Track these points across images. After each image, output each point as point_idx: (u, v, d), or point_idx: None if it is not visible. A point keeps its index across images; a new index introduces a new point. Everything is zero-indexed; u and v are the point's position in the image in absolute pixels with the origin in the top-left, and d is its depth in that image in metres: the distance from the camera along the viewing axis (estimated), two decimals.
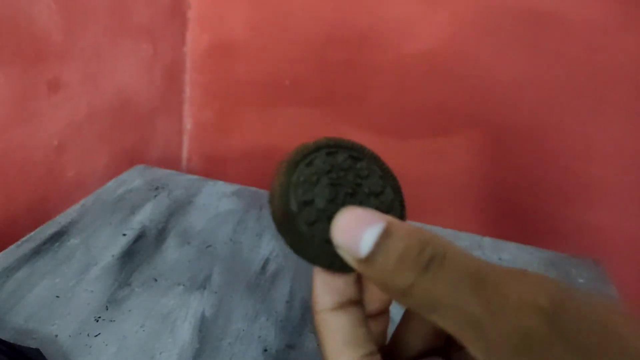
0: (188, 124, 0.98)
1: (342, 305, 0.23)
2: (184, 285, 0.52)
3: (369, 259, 0.19)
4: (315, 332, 0.23)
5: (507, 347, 0.17)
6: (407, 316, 0.26)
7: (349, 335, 0.22)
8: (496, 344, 0.17)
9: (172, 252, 0.57)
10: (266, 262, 0.58)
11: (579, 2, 0.73)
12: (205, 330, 0.47)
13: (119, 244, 0.57)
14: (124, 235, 0.59)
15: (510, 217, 0.87)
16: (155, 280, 0.53)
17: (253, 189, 0.73)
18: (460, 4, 0.78)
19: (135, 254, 0.56)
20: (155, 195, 0.68)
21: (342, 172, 0.23)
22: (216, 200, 0.69)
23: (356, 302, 0.23)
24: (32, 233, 0.57)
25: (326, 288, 0.23)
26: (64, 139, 0.66)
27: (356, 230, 0.19)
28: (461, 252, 0.18)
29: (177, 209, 0.66)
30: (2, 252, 0.53)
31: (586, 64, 0.76)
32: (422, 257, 0.18)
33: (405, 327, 0.26)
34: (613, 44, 0.74)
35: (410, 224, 0.20)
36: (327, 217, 0.22)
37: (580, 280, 0.60)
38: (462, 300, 0.17)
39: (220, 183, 0.74)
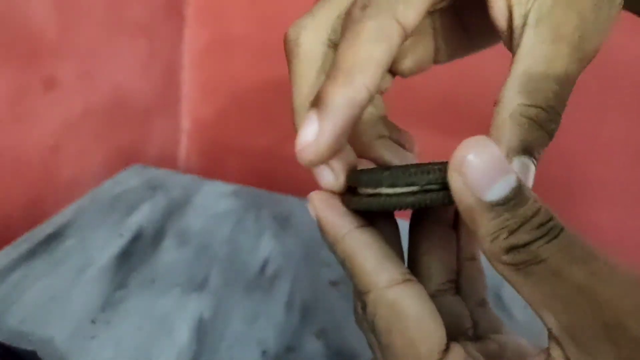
0: (186, 122, 0.98)
1: (365, 225, 0.22)
2: (181, 286, 0.52)
3: (493, 207, 0.18)
4: (342, 260, 0.22)
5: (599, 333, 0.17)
6: (433, 248, 0.26)
7: (384, 250, 0.22)
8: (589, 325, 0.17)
9: (169, 253, 0.57)
10: (265, 263, 0.57)
11: None
12: (203, 333, 0.46)
13: (116, 245, 0.57)
14: (121, 235, 0.58)
15: None
16: (153, 281, 0.52)
17: (252, 188, 0.73)
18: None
19: (132, 255, 0.55)
20: (153, 195, 0.68)
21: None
22: (214, 200, 0.69)
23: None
24: (27, 234, 0.56)
25: (337, 215, 0.22)
26: (60, 138, 0.65)
27: (492, 172, 0.18)
28: (576, 235, 0.18)
29: (175, 209, 0.65)
30: None
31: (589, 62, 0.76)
32: (545, 226, 0.18)
33: (430, 258, 0.26)
34: (617, 42, 0.73)
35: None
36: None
37: None
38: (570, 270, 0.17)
39: (219, 183, 0.74)
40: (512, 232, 0.17)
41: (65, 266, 0.52)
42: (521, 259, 0.18)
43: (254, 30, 0.88)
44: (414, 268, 0.26)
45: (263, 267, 0.56)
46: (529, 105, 0.20)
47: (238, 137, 0.97)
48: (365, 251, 0.21)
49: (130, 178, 0.71)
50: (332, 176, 0.23)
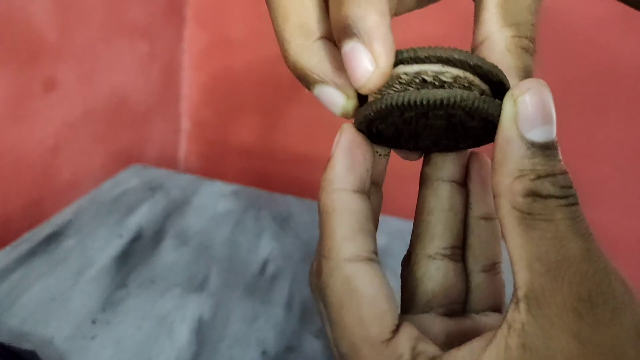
0: (185, 123, 0.98)
1: (361, 191, 0.21)
2: (181, 286, 0.52)
3: (531, 146, 0.18)
4: (322, 212, 0.21)
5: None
6: (440, 208, 0.25)
7: (364, 222, 0.21)
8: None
9: (169, 253, 0.57)
10: (265, 263, 0.57)
11: (584, 1, 0.73)
12: (203, 333, 0.46)
13: (116, 245, 0.57)
14: (121, 236, 0.58)
15: None
16: (153, 281, 0.52)
17: (252, 189, 0.73)
18: (462, 2, 0.78)
19: (132, 255, 0.55)
20: (152, 196, 0.68)
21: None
22: (214, 200, 0.69)
23: (368, 195, 0.22)
24: (28, 234, 0.56)
25: (351, 169, 0.21)
26: (60, 138, 0.65)
27: (541, 115, 0.19)
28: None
29: (175, 209, 0.65)
30: None
31: (588, 62, 0.76)
32: (568, 190, 0.18)
33: (435, 219, 0.25)
34: (616, 42, 0.73)
35: None
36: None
37: None
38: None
39: (218, 183, 0.74)
40: (538, 177, 0.18)
41: (65, 266, 0.52)
42: (535, 209, 0.18)
43: (253, 30, 0.88)
44: (418, 227, 0.25)
45: (263, 268, 0.56)
46: (519, 37, 0.22)
47: (238, 137, 0.97)
48: (344, 216, 0.21)
49: (130, 178, 0.71)
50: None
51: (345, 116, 0.22)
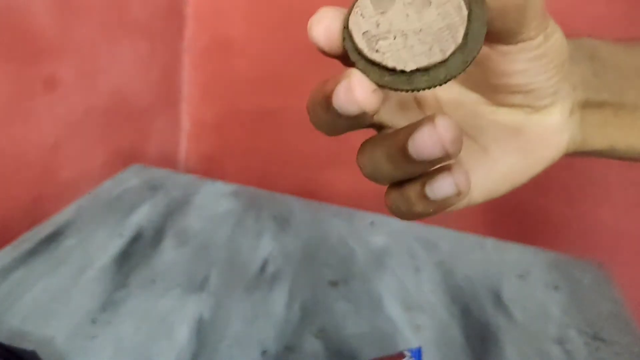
0: (186, 122, 0.97)
1: None
2: (181, 286, 0.52)
3: None
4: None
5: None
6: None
7: None
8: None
9: (169, 253, 0.57)
10: (265, 263, 0.57)
11: (584, 1, 0.73)
12: (203, 333, 0.46)
13: (116, 245, 0.57)
14: (121, 235, 0.58)
15: (513, 218, 0.86)
16: (153, 281, 0.52)
17: (252, 188, 0.73)
18: None
19: (132, 255, 0.55)
20: (153, 196, 0.68)
21: None
22: (214, 200, 0.69)
23: None
24: (28, 233, 0.56)
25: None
26: (60, 138, 0.65)
27: None
28: None
29: (175, 209, 0.65)
30: None
31: None
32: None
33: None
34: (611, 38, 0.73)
35: None
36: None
37: (584, 283, 0.60)
38: None
39: (219, 183, 0.74)
40: None
41: (66, 266, 0.52)
42: None
43: (253, 30, 0.88)
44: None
45: (263, 268, 0.56)
46: None
47: (238, 137, 0.97)
48: None
49: (130, 178, 0.71)
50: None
51: None
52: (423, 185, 0.23)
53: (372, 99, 0.20)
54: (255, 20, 0.88)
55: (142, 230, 0.60)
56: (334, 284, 0.55)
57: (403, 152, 0.22)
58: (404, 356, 0.41)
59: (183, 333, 0.46)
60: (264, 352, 0.45)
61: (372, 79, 0.21)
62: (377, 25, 0.20)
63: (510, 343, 0.50)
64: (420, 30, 0.20)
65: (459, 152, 0.21)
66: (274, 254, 0.59)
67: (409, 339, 0.49)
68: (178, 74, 0.93)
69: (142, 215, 0.63)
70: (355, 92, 0.20)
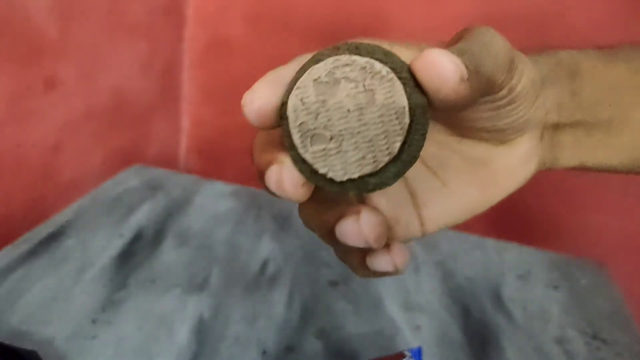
0: (186, 122, 0.97)
1: None
2: (181, 286, 0.52)
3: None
4: None
5: None
6: None
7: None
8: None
9: (169, 253, 0.57)
10: (265, 263, 0.57)
11: (584, 1, 0.73)
12: (203, 333, 0.46)
13: (116, 245, 0.57)
14: (121, 236, 0.58)
15: (513, 218, 0.86)
16: (153, 281, 0.52)
17: (252, 189, 0.73)
18: (462, 3, 0.78)
19: (133, 255, 0.55)
20: (153, 196, 0.68)
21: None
22: (214, 200, 0.69)
23: None
24: (28, 233, 0.56)
25: None
26: (60, 138, 0.65)
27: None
28: None
29: (175, 209, 0.65)
30: None
31: None
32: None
33: None
34: (613, 40, 0.73)
35: None
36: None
37: (584, 282, 0.60)
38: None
39: (219, 183, 0.74)
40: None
41: (66, 266, 0.52)
42: None
43: (253, 30, 0.88)
44: None
45: (263, 268, 0.56)
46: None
47: (238, 137, 0.97)
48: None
49: (130, 178, 0.71)
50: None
51: None
52: (364, 255, 0.23)
53: (300, 193, 0.20)
54: (255, 20, 0.88)
55: (142, 230, 0.60)
56: (334, 284, 0.55)
57: (333, 234, 0.22)
58: (404, 356, 0.41)
59: (183, 333, 0.46)
60: (264, 352, 0.45)
61: (302, 174, 0.20)
62: (316, 117, 0.19)
63: (510, 343, 0.50)
64: (358, 132, 0.18)
65: (383, 244, 0.21)
66: (274, 254, 0.59)
67: (409, 339, 0.49)
68: (178, 73, 0.93)
69: (142, 216, 0.63)
70: (284, 184, 0.20)
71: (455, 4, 0.78)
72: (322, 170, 0.19)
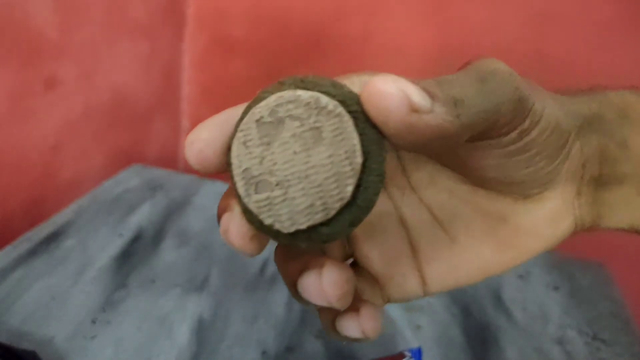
0: (186, 122, 0.98)
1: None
2: (181, 286, 0.52)
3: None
4: None
5: None
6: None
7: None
8: None
9: (169, 253, 0.57)
10: (265, 263, 0.57)
11: (584, 2, 0.73)
12: (203, 333, 0.46)
13: (116, 245, 0.57)
14: (121, 235, 0.58)
15: None
16: (153, 281, 0.52)
17: None
18: (462, 4, 0.78)
19: (132, 255, 0.55)
20: (153, 196, 0.68)
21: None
22: (214, 200, 0.69)
23: None
24: (28, 233, 0.56)
25: None
26: (60, 138, 0.65)
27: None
28: None
29: (175, 209, 0.65)
30: None
31: (590, 63, 0.76)
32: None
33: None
34: (617, 43, 0.73)
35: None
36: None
37: (585, 283, 0.60)
38: None
39: (219, 183, 0.74)
40: None
41: (66, 266, 0.52)
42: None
43: (254, 30, 0.88)
44: None
45: (263, 268, 0.56)
46: None
47: None
48: None
49: (130, 178, 0.71)
50: None
51: None
52: (334, 318, 0.21)
53: (250, 246, 0.18)
54: (255, 20, 0.88)
55: (142, 230, 0.60)
56: None
57: (297, 288, 0.20)
58: (404, 356, 0.41)
59: (183, 333, 0.46)
60: (264, 353, 0.45)
61: (252, 224, 0.18)
62: (261, 162, 0.17)
63: (510, 343, 0.50)
64: (306, 176, 0.16)
65: (348, 304, 0.19)
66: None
67: (409, 339, 0.49)
68: (178, 74, 0.93)
69: (142, 216, 0.63)
70: (230, 235, 0.18)
71: (453, 6, 0.78)
72: (267, 222, 0.17)
